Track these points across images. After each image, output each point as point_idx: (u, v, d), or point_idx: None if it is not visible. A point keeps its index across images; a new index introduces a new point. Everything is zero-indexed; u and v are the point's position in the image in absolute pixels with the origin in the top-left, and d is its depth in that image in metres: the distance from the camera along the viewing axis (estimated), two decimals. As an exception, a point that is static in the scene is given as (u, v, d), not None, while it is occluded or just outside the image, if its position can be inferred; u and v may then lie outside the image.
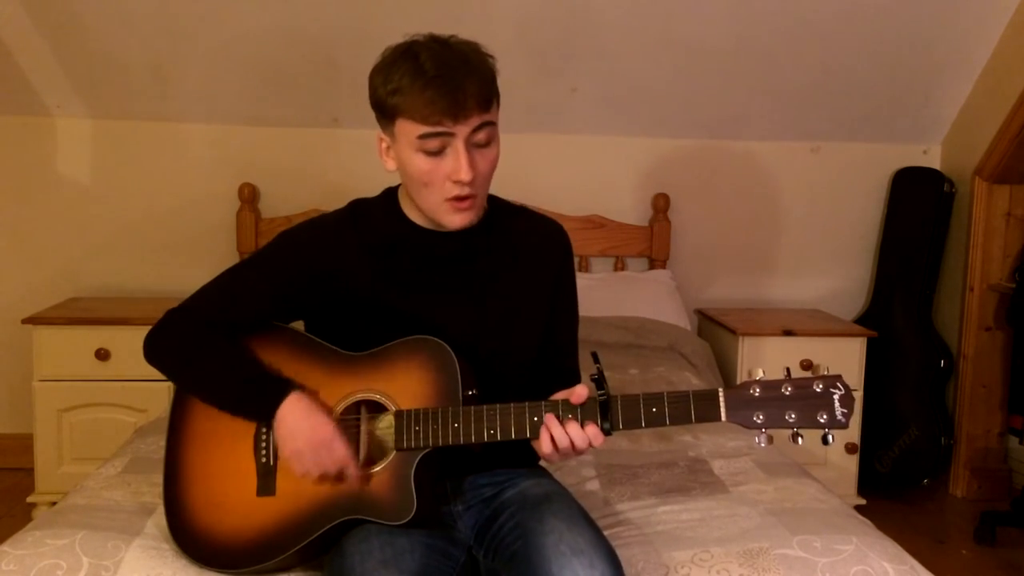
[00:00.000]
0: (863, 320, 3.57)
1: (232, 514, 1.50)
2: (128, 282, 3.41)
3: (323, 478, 1.46)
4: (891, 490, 3.42)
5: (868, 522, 1.74)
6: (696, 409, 1.41)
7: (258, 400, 1.49)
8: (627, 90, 3.38)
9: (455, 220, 1.49)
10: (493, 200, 1.62)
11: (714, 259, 3.65)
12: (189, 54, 3.18)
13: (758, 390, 1.40)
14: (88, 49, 3.15)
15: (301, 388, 1.49)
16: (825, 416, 1.38)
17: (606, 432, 1.43)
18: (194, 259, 3.36)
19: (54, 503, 2.03)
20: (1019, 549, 2.99)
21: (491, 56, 1.48)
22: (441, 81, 1.39)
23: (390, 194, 1.62)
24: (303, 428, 1.45)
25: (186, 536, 1.52)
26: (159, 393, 3.00)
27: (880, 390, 3.42)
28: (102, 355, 3.00)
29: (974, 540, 3.03)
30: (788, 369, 1.43)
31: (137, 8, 3.03)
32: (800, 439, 1.40)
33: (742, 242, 3.64)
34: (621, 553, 1.49)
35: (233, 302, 1.58)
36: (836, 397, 1.39)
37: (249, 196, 3.36)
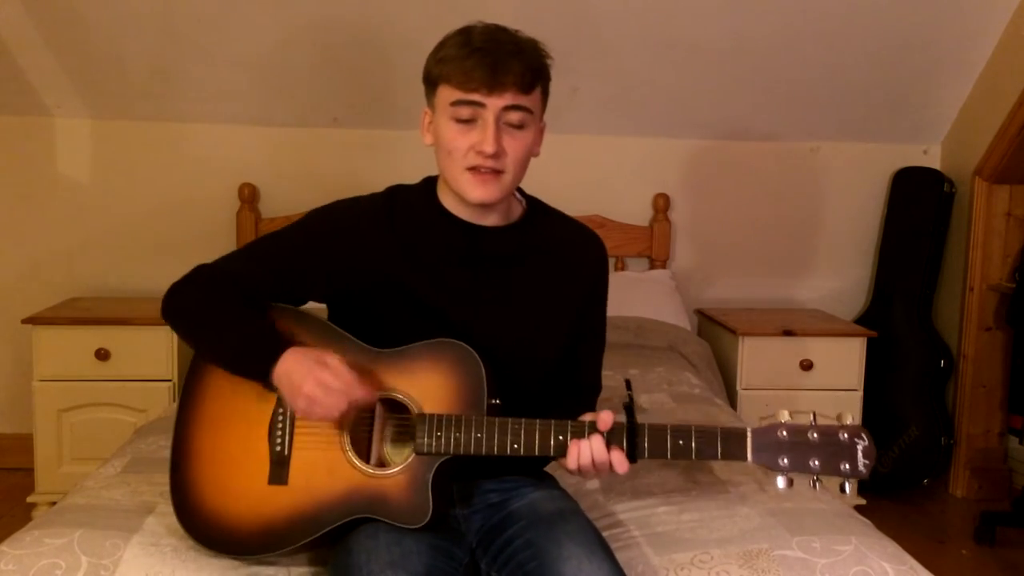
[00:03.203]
0: (863, 320, 3.57)
1: (241, 500, 1.49)
2: (128, 282, 3.41)
3: (343, 416, 1.42)
4: (891, 490, 3.42)
5: (868, 522, 1.74)
6: (723, 447, 1.42)
7: (256, 353, 1.46)
8: (627, 90, 3.38)
9: (475, 192, 1.48)
10: (533, 201, 1.63)
11: (714, 259, 3.65)
12: (189, 54, 3.18)
13: (785, 434, 1.41)
14: (88, 49, 3.15)
15: (300, 344, 1.46)
16: (848, 466, 1.39)
17: (631, 460, 1.43)
18: (194, 259, 3.27)
19: (54, 503, 2.03)
20: (1019, 549, 2.98)
21: (549, 57, 1.51)
22: (484, 53, 1.43)
23: (429, 183, 1.61)
24: (305, 375, 1.40)
25: (192, 517, 1.51)
26: (159, 393, 3.01)
27: (880, 390, 3.41)
28: (102, 355, 3.00)
29: (974, 540, 3.03)
30: (814, 414, 1.43)
31: (137, 8, 3.03)
32: (819, 485, 1.42)
33: (742, 242, 3.64)
34: (621, 555, 1.49)
35: (261, 268, 1.56)
36: (860, 448, 1.40)
37: (249, 196, 3.36)
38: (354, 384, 1.41)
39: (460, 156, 1.47)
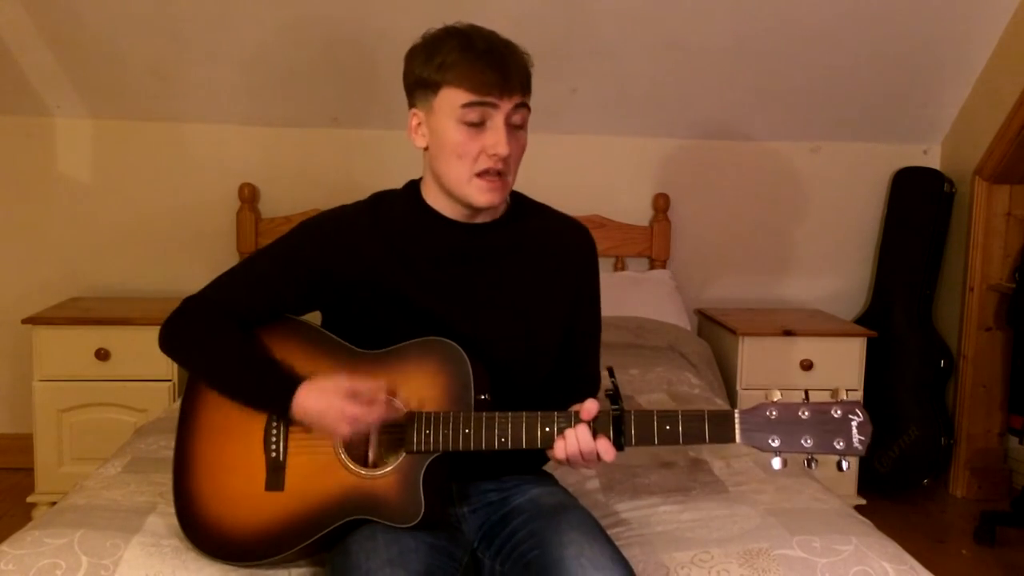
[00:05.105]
0: (863, 320, 3.57)
1: (240, 507, 1.50)
2: (128, 282, 3.41)
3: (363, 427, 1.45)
4: (891, 490, 3.42)
5: (868, 522, 1.74)
6: (710, 429, 1.40)
7: (271, 394, 1.49)
8: (627, 90, 3.38)
9: (483, 197, 1.48)
10: (517, 196, 1.63)
11: (714, 259, 3.65)
12: (189, 54, 3.18)
13: (775, 412, 1.39)
14: (88, 49, 3.15)
15: (307, 379, 1.48)
16: (842, 443, 1.36)
17: (618, 447, 1.42)
18: (194, 259, 3.36)
19: (54, 503, 2.03)
20: (1019, 549, 2.98)
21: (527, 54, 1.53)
22: (492, 57, 1.45)
23: (413, 185, 1.61)
24: (324, 407, 1.44)
25: (194, 526, 1.52)
26: (159, 393, 3.01)
27: (880, 390, 3.41)
28: (102, 355, 3.00)
29: (974, 540, 3.03)
30: (807, 392, 1.41)
31: (137, 8, 3.03)
32: (814, 464, 1.39)
33: (742, 242, 3.64)
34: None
35: (250, 292, 1.57)
36: (854, 424, 1.36)
37: (249, 196, 3.36)
38: (379, 406, 1.43)
39: (471, 160, 1.47)
